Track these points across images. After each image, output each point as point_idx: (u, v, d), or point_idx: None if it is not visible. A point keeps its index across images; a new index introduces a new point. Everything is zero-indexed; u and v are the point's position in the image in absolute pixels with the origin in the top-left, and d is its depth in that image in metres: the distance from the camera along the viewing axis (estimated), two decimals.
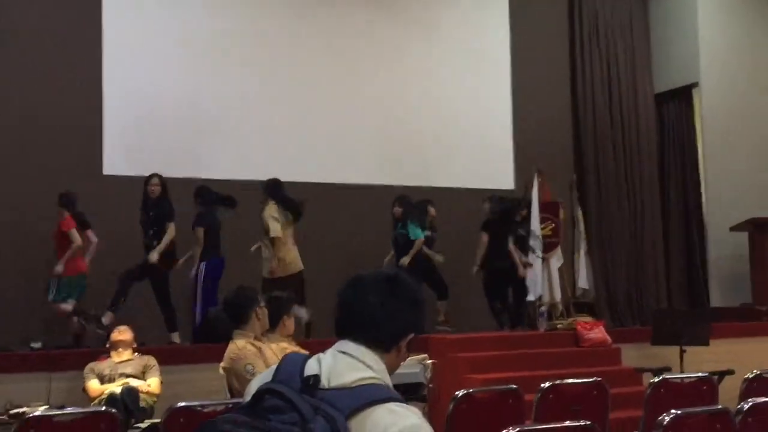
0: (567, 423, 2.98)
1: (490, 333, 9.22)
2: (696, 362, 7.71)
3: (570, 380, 4.54)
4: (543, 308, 9.74)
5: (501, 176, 10.87)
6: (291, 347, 5.05)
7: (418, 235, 9.04)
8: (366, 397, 2.05)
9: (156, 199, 8.27)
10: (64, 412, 3.78)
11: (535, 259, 9.82)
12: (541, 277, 9.93)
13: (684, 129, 11.56)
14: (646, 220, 11.21)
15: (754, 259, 10.56)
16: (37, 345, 7.80)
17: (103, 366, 6.60)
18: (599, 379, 4.52)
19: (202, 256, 8.30)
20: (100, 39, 9.21)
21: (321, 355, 2.17)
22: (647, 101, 11.52)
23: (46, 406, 6.01)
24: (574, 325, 9.14)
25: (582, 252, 10.66)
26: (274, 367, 2.22)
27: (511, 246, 9.38)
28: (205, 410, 3.54)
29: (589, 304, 10.54)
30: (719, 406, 3.54)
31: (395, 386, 2.16)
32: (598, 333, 8.98)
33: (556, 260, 10.28)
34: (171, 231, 8.18)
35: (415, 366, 6.40)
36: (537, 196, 10.26)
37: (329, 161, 10.03)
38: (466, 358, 8.18)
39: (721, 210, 10.99)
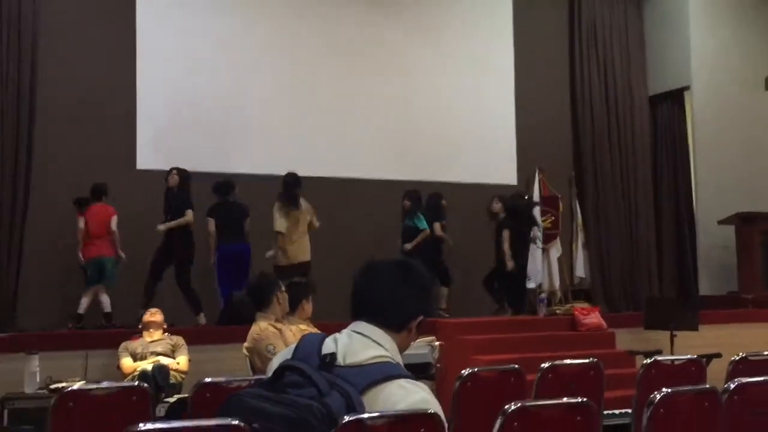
0: (564, 399, 2.98)
1: (493, 318, 9.22)
2: (685, 346, 7.68)
3: (568, 361, 4.53)
4: (543, 295, 9.74)
5: (504, 172, 10.84)
6: (309, 329, 5.07)
7: (424, 226, 9.08)
8: (379, 373, 2.06)
9: (175, 190, 8.31)
10: (100, 386, 3.80)
11: (536, 249, 9.81)
12: (541, 266, 9.94)
13: (676, 129, 11.51)
14: (640, 214, 11.17)
15: (741, 251, 10.52)
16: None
17: (136, 345, 6.64)
18: (595, 360, 4.51)
19: (216, 245, 8.35)
20: (134, 44, 9.24)
21: (337, 335, 2.18)
22: (642, 103, 11.47)
23: (83, 381, 6.05)
24: (571, 310, 9.12)
25: (580, 243, 10.64)
26: (293, 345, 2.23)
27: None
28: (231, 386, 3.55)
29: (586, 291, 10.53)
30: (707, 386, 3.53)
31: (405, 366, 2.17)
32: (594, 318, 8.96)
33: (556, 251, 10.29)
34: (188, 216, 8.22)
35: (423, 347, 6.40)
36: (538, 191, 10.30)
37: (342, 157, 10.03)
38: (472, 340, 8.18)
39: (710, 204, 10.94)
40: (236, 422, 2.09)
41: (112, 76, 9.07)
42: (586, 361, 4.51)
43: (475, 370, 4.11)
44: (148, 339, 6.69)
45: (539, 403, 3.11)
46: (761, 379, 3.56)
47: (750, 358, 4.60)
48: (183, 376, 6.50)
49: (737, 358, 4.54)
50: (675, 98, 11.49)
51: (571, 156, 11.13)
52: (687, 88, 11.26)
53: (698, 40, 11.19)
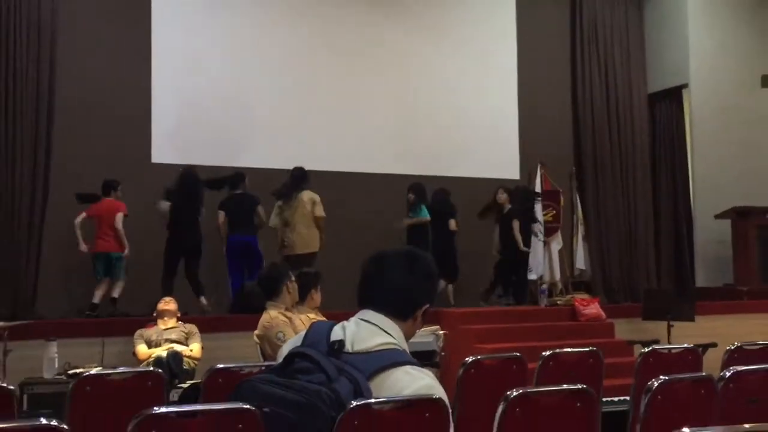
0: (565, 386, 2.97)
1: (496, 308, 9.22)
2: (682, 336, 7.66)
3: (568, 349, 4.52)
4: (544, 286, 9.73)
5: (507, 167, 10.86)
6: (318, 318, 5.07)
7: (426, 215, 9.17)
8: (385, 360, 2.06)
9: None
10: (116, 371, 3.81)
11: (537, 242, 9.81)
12: (542, 259, 9.94)
13: (674, 126, 11.47)
14: (639, 208, 11.14)
15: (736, 244, 10.50)
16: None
17: (151, 332, 6.66)
18: (594, 348, 4.50)
19: (226, 237, 8.40)
20: (149, 44, 9.25)
21: (345, 322, 2.18)
22: (641, 100, 11.42)
23: (100, 367, 6.07)
24: (572, 301, 9.12)
25: (580, 236, 10.63)
26: (303, 333, 2.23)
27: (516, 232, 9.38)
28: (242, 371, 3.55)
29: (586, 282, 10.52)
30: (703, 373, 3.51)
31: (411, 353, 2.17)
32: (593, 309, 8.96)
33: (557, 243, 10.30)
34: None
35: (428, 336, 6.40)
36: (540, 185, 10.30)
37: (349, 152, 10.04)
38: (475, 330, 8.18)
39: (706, 199, 10.91)
40: (247, 407, 2.09)
41: (128, 74, 9.07)
42: (586, 349, 4.50)
43: (479, 357, 4.10)
44: (163, 327, 6.71)
45: (540, 389, 3.10)
46: (756, 367, 3.54)
47: (745, 347, 4.58)
48: (196, 362, 6.52)
49: (732, 347, 4.52)
50: (674, 96, 11.45)
51: (572, 151, 11.11)
52: (685, 86, 11.22)
53: (697, 40, 11.15)
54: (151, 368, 4.38)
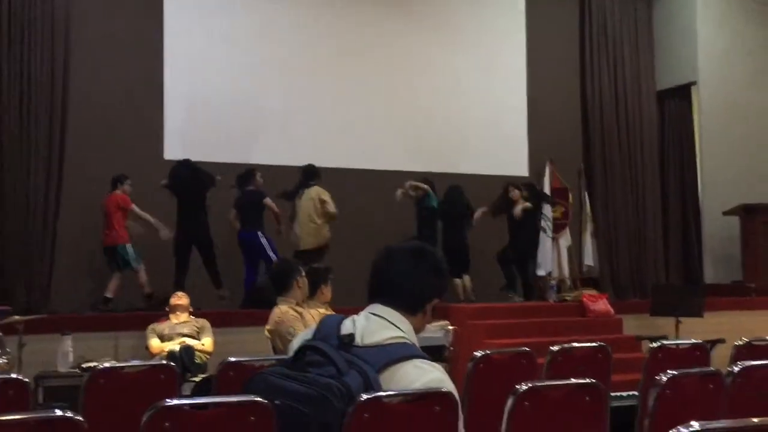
0: (573, 380, 2.96)
1: (505, 304, 9.21)
2: (690, 332, 7.64)
3: (577, 344, 4.50)
4: (553, 282, 9.72)
5: (516, 164, 10.82)
6: (328, 312, 5.08)
7: (434, 204, 9.27)
8: (395, 353, 2.06)
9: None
10: (129, 364, 3.83)
11: (546, 238, 9.79)
12: (551, 255, 9.91)
13: (683, 123, 11.41)
14: (647, 205, 11.09)
15: (744, 241, 10.43)
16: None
17: (163, 327, 6.68)
18: (603, 343, 4.48)
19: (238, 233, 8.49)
20: (162, 43, 9.27)
21: (355, 316, 2.18)
22: (650, 98, 11.36)
23: (114, 361, 6.10)
24: (580, 297, 9.10)
25: (588, 233, 10.59)
26: (314, 326, 2.23)
27: None
28: (254, 365, 3.56)
29: (594, 279, 10.49)
30: (711, 368, 3.50)
31: (421, 348, 2.16)
32: (601, 305, 8.94)
33: (565, 240, 10.26)
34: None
35: (438, 331, 6.42)
36: (549, 182, 10.28)
37: (360, 149, 10.02)
38: (484, 325, 8.17)
39: (715, 196, 10.86)
40: (259, 399, 2.10)
41: (140, 72, 9.07)
42: (594, 344, 4.48)
43: (488, 352, 4.09)
44: (175, 321, 6.73)
45: (549, 383, 3.10)
46: (765, 362, 3.53)
47: (754, 343, 4.56)
48: (208, 356, 6.54)
49: (741, 343, 4.50)
50: (683, 93, 11.39)
51: (580, 149, 11.07)
52: (694, 83, 11.16)
53: (705, 37, 11.09)
54: (164, 362, 4.38)
